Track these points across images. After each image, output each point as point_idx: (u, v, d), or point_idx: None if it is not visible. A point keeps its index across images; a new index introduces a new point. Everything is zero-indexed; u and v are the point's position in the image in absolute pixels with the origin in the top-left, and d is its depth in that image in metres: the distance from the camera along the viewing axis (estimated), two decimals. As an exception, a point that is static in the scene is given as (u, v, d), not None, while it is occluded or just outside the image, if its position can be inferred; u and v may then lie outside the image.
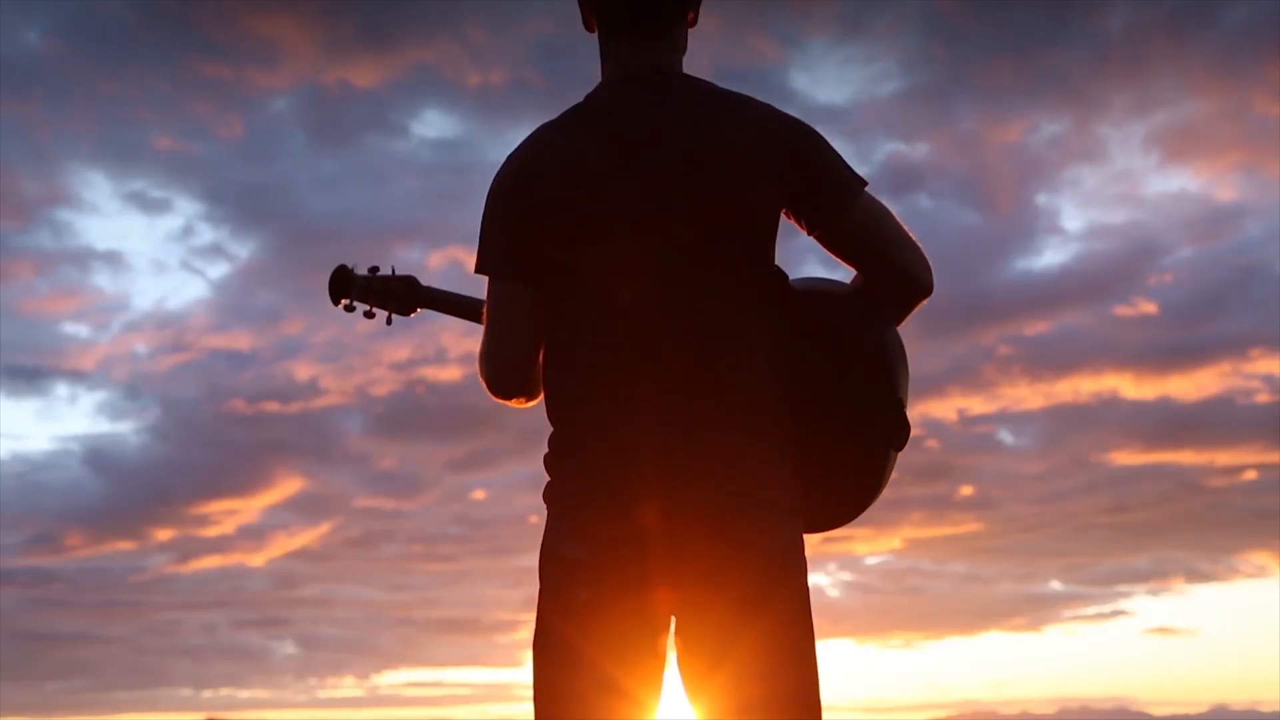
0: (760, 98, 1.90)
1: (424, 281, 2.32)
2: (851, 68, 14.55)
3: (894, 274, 1.89)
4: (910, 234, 1.89)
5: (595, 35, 1.93)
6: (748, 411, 1.78)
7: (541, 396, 1.88)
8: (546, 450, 1.86)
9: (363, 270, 2.34)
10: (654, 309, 1.77)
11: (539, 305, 1.83)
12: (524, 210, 1.81)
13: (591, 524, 1.77)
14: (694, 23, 1.93)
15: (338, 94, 14.81)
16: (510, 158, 1.86)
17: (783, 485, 1.80)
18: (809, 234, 1.86)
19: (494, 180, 1.87)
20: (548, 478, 1.85)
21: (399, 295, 2.33)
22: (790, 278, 1.91)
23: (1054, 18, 13.32)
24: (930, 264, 1.91)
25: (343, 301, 2.31)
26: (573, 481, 1.80)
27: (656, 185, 1.78)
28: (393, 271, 2.34)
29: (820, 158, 1.84)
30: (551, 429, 1.85)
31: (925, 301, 1.93)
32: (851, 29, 14.01)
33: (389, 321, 2.32)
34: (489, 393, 1.88)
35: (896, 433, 1.88)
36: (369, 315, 2.33)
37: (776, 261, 1.89)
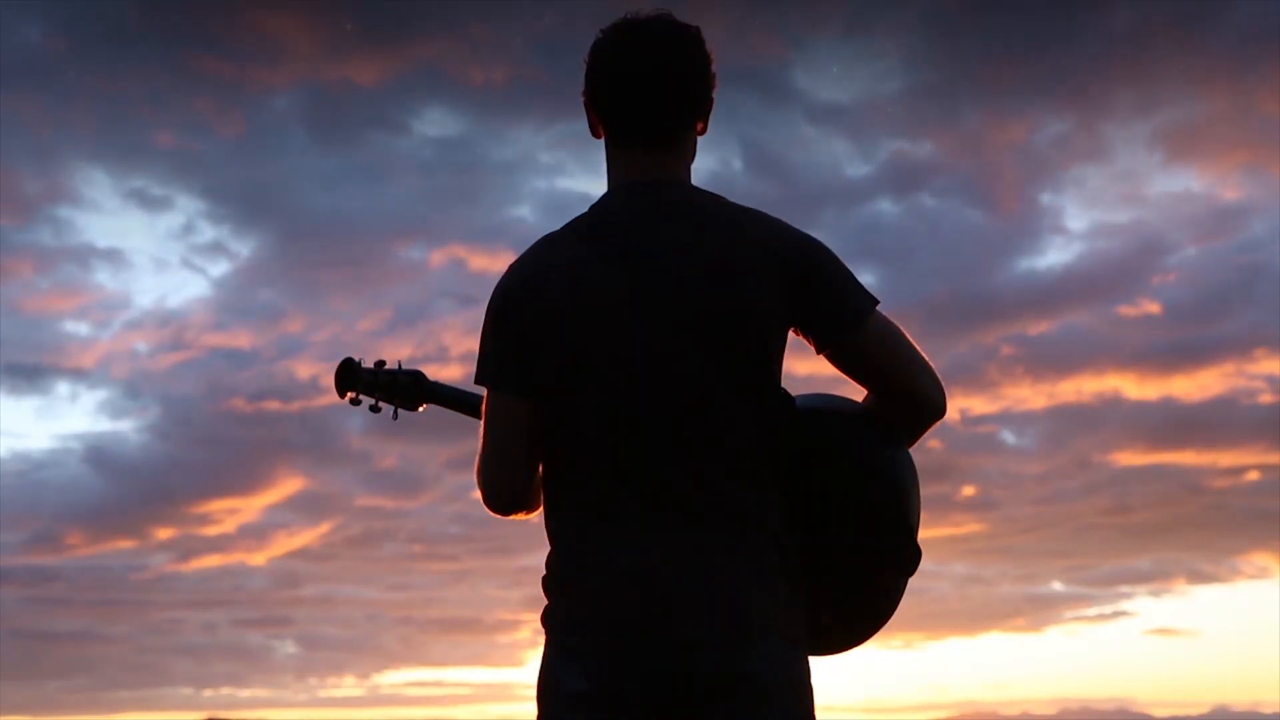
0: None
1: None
2: (855, 66, 14.54)
3: (905, 395, 1.85)
4: (921, 353, 1.85)
5: (602, 140, 1.90)
6: (753, 539, 1.75)
7: (541, 509, 1.85)
8: (545, 572, 1.82)
9: (369, 364, 2.33)
10: (656, 430, 1.74)
11: (538, 421, 1.80)
12: (524, 324, 1.78)
13: (592, 655, 1.73)
14: (703, 131, 1.89)
15: (339, 91, 14.80)
16: (513, 268, 1.84)
17: (789, 614, 1.76)
18: (818, 353, 1.83)
19: (495, 290, 1.84)
20: (545, 600, 1.81)
21: (405, 390, 2.33)
22: (798, 394, 1.89)
23: (1059, 16, 13.28)
24: (942, 384, 1.86)
25: (349, 395, 2.30)
26: (573, 609, 1.77)
27: (660, 304, 1.75)
28: (399, 366, 2.33)
29: (829, 277, 1.80)
30: (550, 548, 1.82)
31: (938, 423, 1.89)
32: (855, 27, 13.99)
33: (395, 416, 2.32)
34: (485, 506, 1.85)
35: (907, 559, 1.85)
36: (375, 410, 2.32)
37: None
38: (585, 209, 1.91)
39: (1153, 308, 17.69)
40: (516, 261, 1.83)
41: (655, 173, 1.83)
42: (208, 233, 17.01)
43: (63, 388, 19.43)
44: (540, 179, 16.84)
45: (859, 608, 1.86)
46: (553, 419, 1.79)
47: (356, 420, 22.23)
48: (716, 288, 1.74)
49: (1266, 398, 18.16)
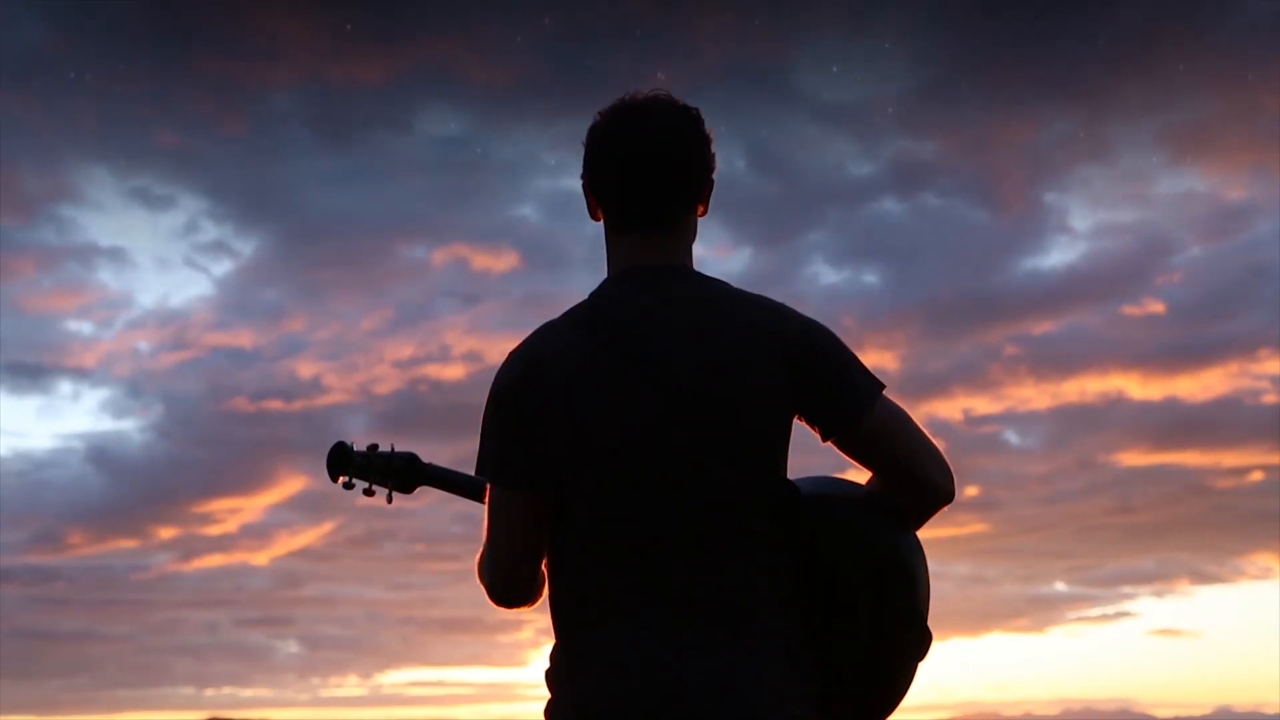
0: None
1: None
2: (859, 65, 14.49)
3: (912, 482, 1.82)
4: (928, 438, 1.83)
5: (601, 221, 1.87)
6: (760, 629, 1.72)
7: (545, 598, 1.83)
8: (548, 664, 1.80)
9: (361, 447, 2.29)
10: (658, 523, 1.71)
11: (540, 515, 1.78)
12: (524, 417, 1.76)
13: None
14: (704, 213, 1.87)
15: (342, 90, 14.77)
16: (512, 357, 1.81)
17: (800, 703, 1.74)
18: (823, 441, 1.80)
19: (495, 380, 1.82)
20: (549, 694, 1.79)
21: (399, 473, 2.30)
22: (802, 474, 1.86)
23: (1064, 15, 13.24)
24: (950, 469, 1.84)
25: (341, 478, 2.27)
26: (577, 703, 1.74)
27: (662, 396, 1.72)
28: (392, 449, 2.30)
29: (833, 363, 1.78)
30: (554, 640, 1.79)
31: (945, 508, 1.86)
32: (859, 26, 13.94)
33: (389, 500, 2.29)
34: (488, 599, 1.83)
35: (919, 644, 1.82)
36: (368, 493, 2.29)
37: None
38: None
39: (1157, 307, 17.65)
40: (516, 350, 1.81)
41: (656, 259, 1.81)
42: (210, 232, 16.99)
43: (65, 387, 19.41)
44: (543, 178, 16.83)
45: (871, 693, 1.82)
46: (555, 512, 1.77)
47: (359, 419, 22.22)
48: (719, 379, 1.72)
49: (1271, 398, 18.13)
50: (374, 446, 2.28)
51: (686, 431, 1.71)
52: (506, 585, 1.81)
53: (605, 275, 1.85)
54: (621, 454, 1.71)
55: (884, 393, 1.80)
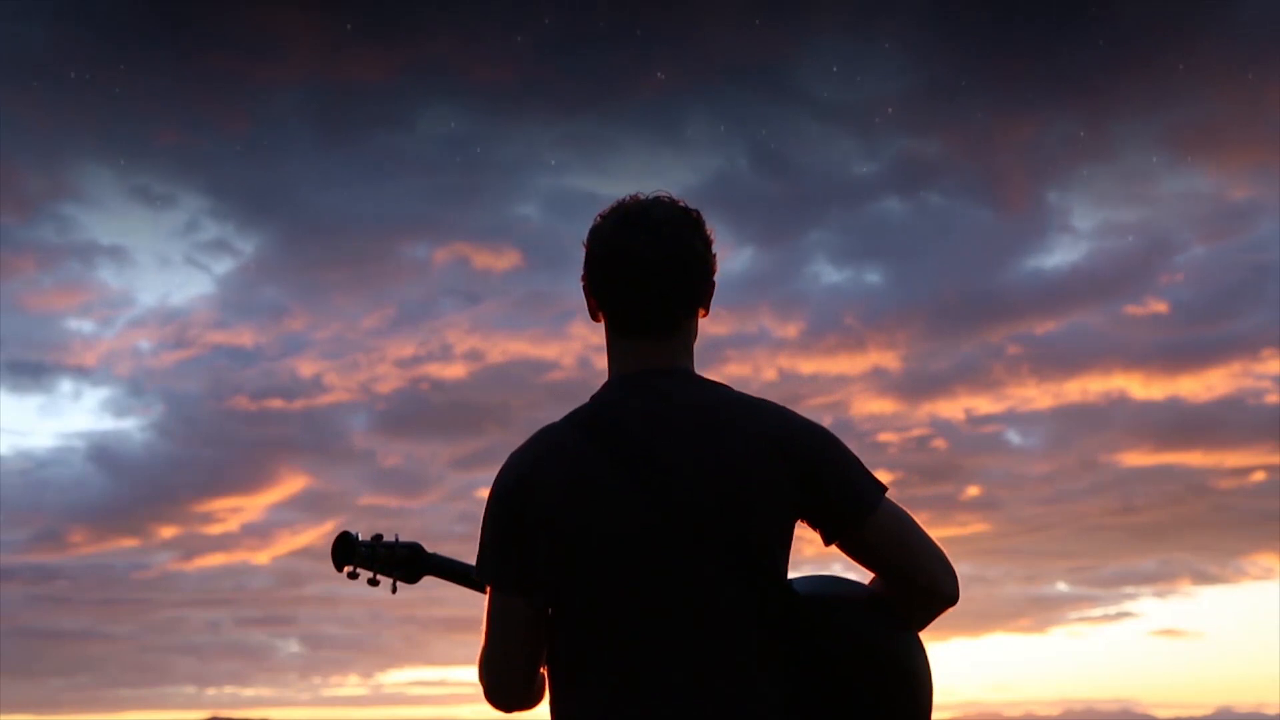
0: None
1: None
2: (862, 64, 14.48)
3: (916, 585, 1.80)
4: (931, 541, 1.81)
5: (602, 323, 1.87)
6: None
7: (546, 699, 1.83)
8: None
9: (366, 536, 2.30)
10: (658, 631, 1.71)
11: (538, 620, 1.78)
12: (524, 523, 1.76)
13: None
14: (705, 315, 1.87)
15: (343, 89, 14.76)
16: (512, 462, 1.81)
17: None
18: (826, 544, 1.80)
19: (495, 481, 1.82)
20: None
21: (404, 563, 2.31)
22: (802, 575, 1.85)
23: (1065, 15, 13.22)
24: (954, 570, 1.82)
25: (346, 569, 2.28)
26: None
27: (662, 504, 1.71)
28: (396, 539, 2.31)
29: (835, 468, 1.77)
30: None
31: (949, 609, 1.84)
32: (862, 25, 13.93)
33: (394, 590, 2.29)
34: (488, 702, 1.83)
35: None
36: (373, 583, 2.30)
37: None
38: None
39: (1160, 307, 17.63)
40: (516, 455, 1.81)
41: (657, 362, 1.81)
42: (211, 230, 16.98)
43: (66, 385, 19.41)
44: (544, 177, 16.81)
45: None
46: (555, 618, 1.77)
47: (360, 418, 22.20)
48: (719, 486, 1.72)
49: (1273, 398, 18.10)
50: (378, 537, 2.31)
51: (687, 539, 1.71)
52: (505, 689, 1.82)
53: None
54: (620, 561, 1.71)
55: (886, 495, 1.80)
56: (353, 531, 2.26)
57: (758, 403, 1.79)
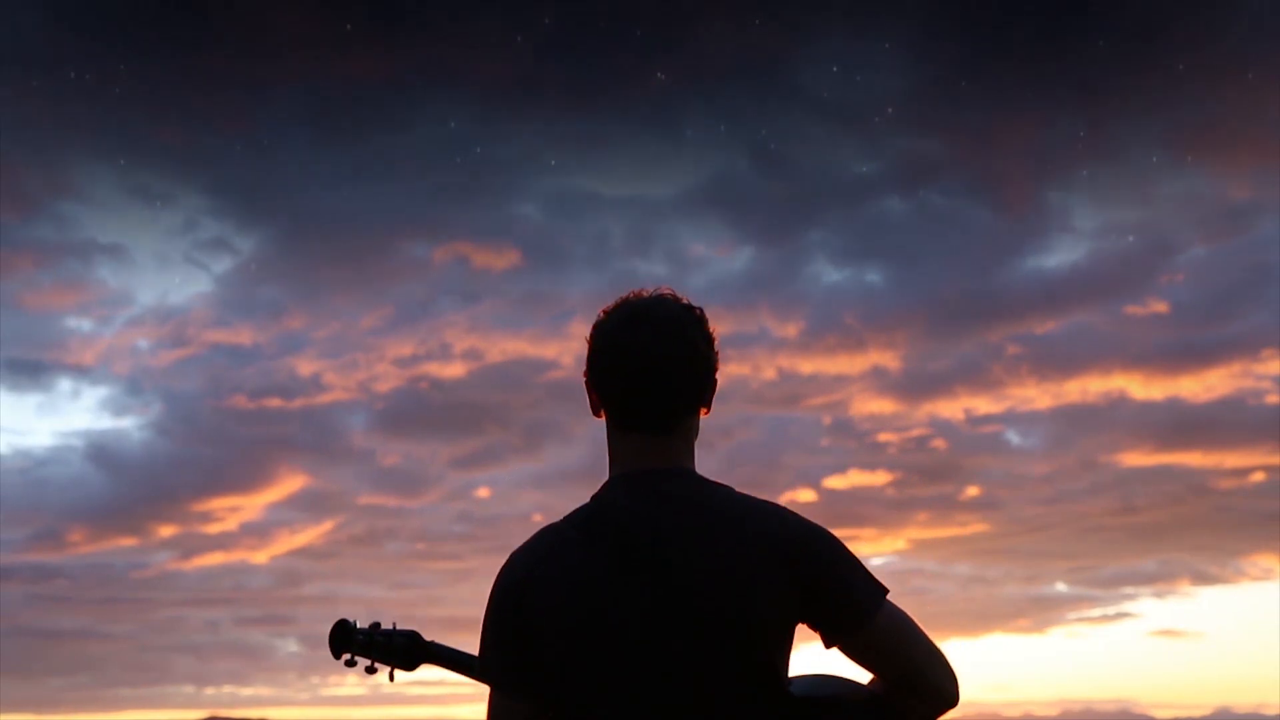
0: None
1: (424, 626, 2.34)
2: (862, 63, 14.47)
3: (917, 688, 1.81)
4: (933, 644, 1.81)
5: (602, 417, 1.88)
6: None
7: None
8: None
9: (364, 624, 2.30)
10: None
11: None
12: (524, 627, 1.76)
13: None
14: (707, 413, 1.88)
15: (344, 88, 14.75)
16: (512, 564, 1.81)
17: None
18: (826, 647, 1.80)
19: (495, 582, 1.82)
20: None
21: (402, 651, 2.30)
22: (801, 675, 1.85)
23: (1066, 15, 13.21)
24: (954, 673, 1.82)
25: (344, 656, 2.27)
26: None
27: (662, 608, 1.72)
28: (394, 627, 2.31)
29: (837, 571, 1.77)
30: None
31: (949, 712, 1.84)
32: (863, 25, 13.92)
33: (391, 678, 2.29)
34: None
35: None
36: (370, 670, 2.29)
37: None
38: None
39: (1160, 307, 17.63)
40: (517, 555, 1.81)
41: (658, 462, 1.81)
42: (210, 229, 16.98)
43: (64, 384, 19.40)
44: (544, 177, 16.80)
45: None
46: (554, 718, 1.77)
47: (359, 418, 22.19)
48: (721, 590, 1.72)
49: (1273, 398, 18.09)
50: (376, 625, 2.31)
51: (687, 642, 1.72)
52: None
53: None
54: (620, 664, 1.72)
55: (887, 598, 1.80)
56: (350, 619, 2.26)
57: (759, 505, 1.80)
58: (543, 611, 1.74)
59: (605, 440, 1.86)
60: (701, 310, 1.86)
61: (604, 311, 1.86)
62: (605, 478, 1.85)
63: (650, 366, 1.80)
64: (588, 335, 1.87)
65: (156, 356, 18.94)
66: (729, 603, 1.71)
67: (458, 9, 13.58)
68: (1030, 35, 13.36)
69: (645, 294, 1.85)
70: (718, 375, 1.87)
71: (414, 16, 13.54)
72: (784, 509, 1.80)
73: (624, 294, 1.87)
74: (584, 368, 1.87)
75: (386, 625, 2.31)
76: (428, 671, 2.33)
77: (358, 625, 2.29)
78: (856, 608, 1.76)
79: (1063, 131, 14.91)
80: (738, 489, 1.82)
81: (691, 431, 1.85)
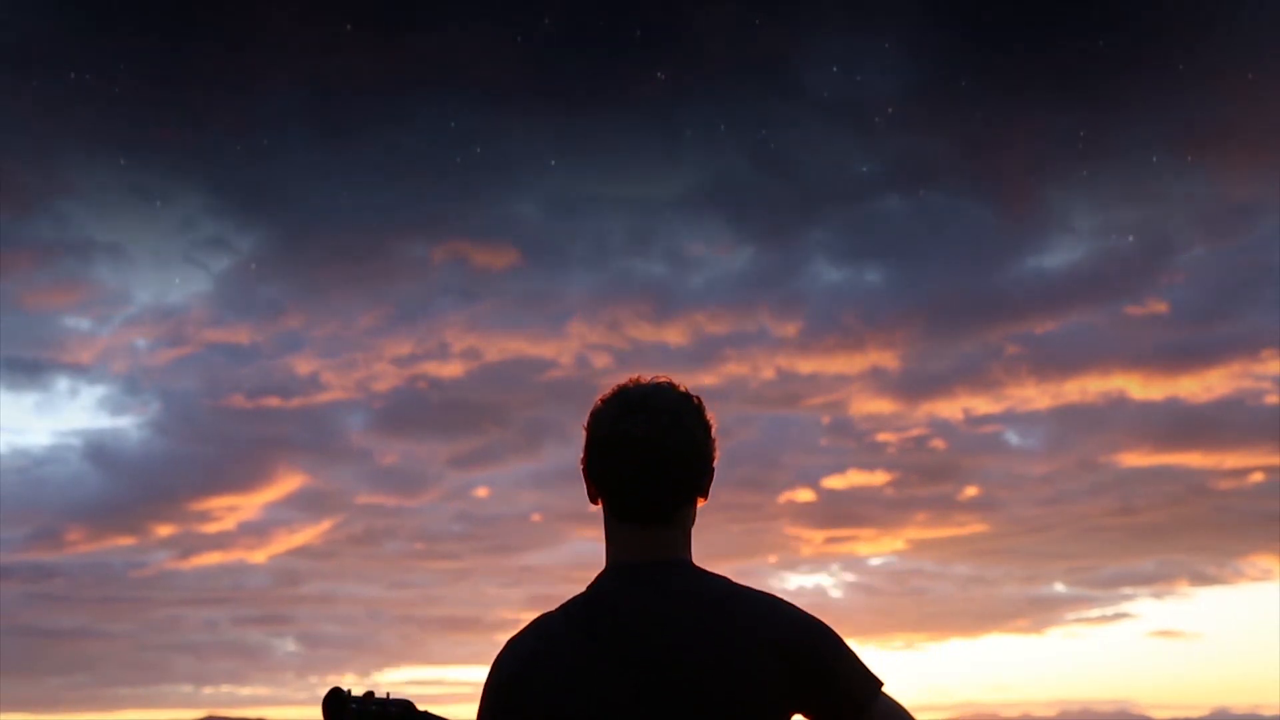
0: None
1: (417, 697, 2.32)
2: (862, 63, 14.45)
3: None
4: None
5: (599, 506, 1.88)
6: None
7: None
8: None
9: (358, 693, 2.31)
10: None
11: None
12: (518, 715, 1.77)
13: None
14: (705, 501, 1.88)
15: (343, 88, 14.73)
16: (509, 652, 1.83)
17: None
18: None
19: (490, 672, 1.83)
20: None
21: None
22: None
23: (1066, 15, 13.20)
24: None
25: None
26: None
27: (658, 701, 1.72)
28: (388, 696, 2.31)
29: (833, 663, 1.78)
30: None
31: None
32: (862, 24, 13.90)
33: None
34: None
35: None
36: None
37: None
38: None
39: (1160, 307, 17.64)
40: (513, 645, 1.83)
41: (655, 552, 1.82)
42: (208, 228, 16.98)
43: (63, 383, 19.38)
44: (544, 176, 16.79)
45: None
46: None
47: (357, 417, 22.17)
48: (716, 683, 1.72)
49: (1273, 398, 18.09)
50: (369, 694, 2.32)
51: None
52: None
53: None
54: None
55: (882, 691, 1.81)
56: (344, 688, 2.27)
57: (755, 597, 1.80)
58: (538, 704, 1.75)
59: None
60: (699, 399, 1.87)
61: (601, 400, 1.86)
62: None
63: (648, 460, 1.80)
64: (585, 423, 1.88)
65: (155, 356, 18.95)
66: (725, 696, 1.72)
67: (458, 9, 13.57)
68: (1030, 35, 13.35)
69: (643, 381, 1.86)
70: (715, 464, 1.87)
71: (414, 16, 13.53)
72: (780, 600, 1.81)
73: (622, 381, 1.87)
74: (581, 455, 1.88)
75: (381, 694, 2.33)
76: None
77: (351, 694, 2.31)
78: (853, 700, 1.77)
79: (1063, 131, 14.91)
80: (733, 579, 1.83)
81: (689, 520, 1.86)
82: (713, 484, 1.87)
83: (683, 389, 1.86)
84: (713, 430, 1.86)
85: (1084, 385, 19.31)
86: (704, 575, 1.82)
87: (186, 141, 15.11)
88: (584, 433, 1.87)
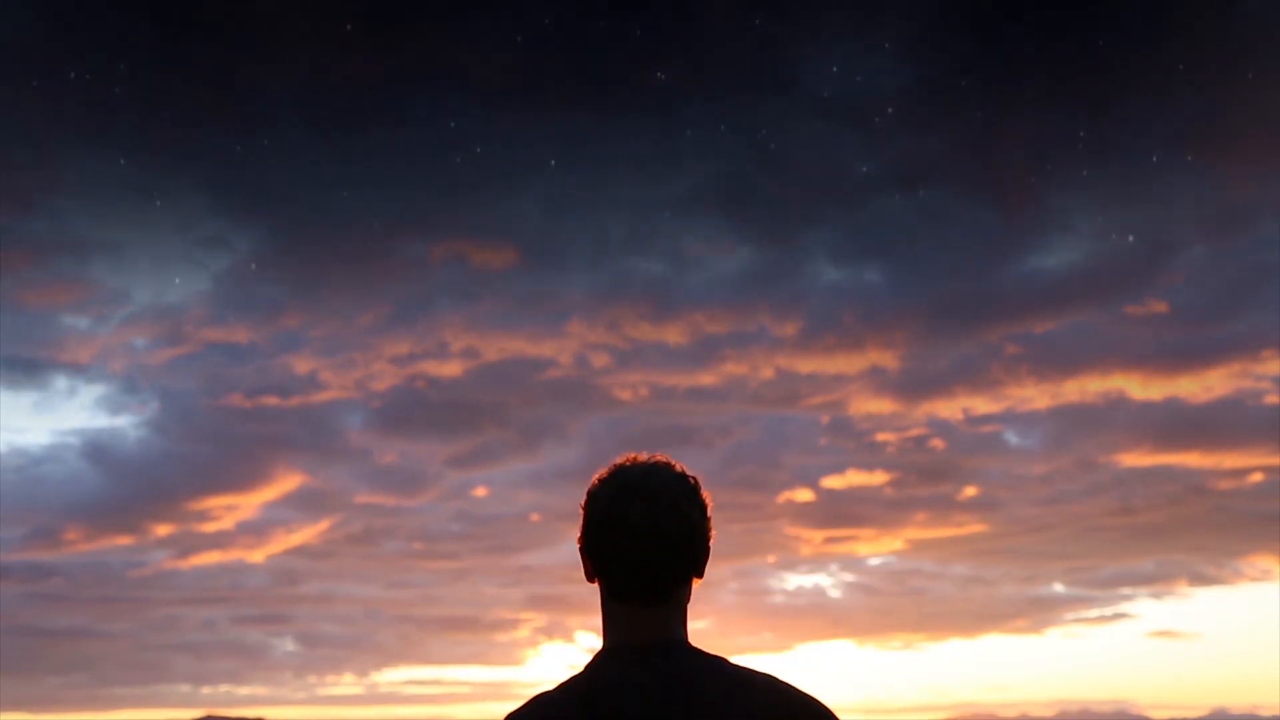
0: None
1: None
2: (862, 63, 14.46)
3: None
4: None
5: (596, 584, 1.91)
6: None
7: None
8: None
9: None
10: None
11: None
12: None
13: None
14: (700, 581, 1.90)
15: (343, 87, 14.73)
16: None
17: None
18: None
19: None
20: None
21: None
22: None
23: (1066, 15, 13.20)
24: None
25: None
26: None
27: None
28: None
29: None
30: None
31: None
32: (862, 24, 13.90)
33: None
34: None
35: None
36: None
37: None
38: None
39: (1160, 307, 17.63)
40: None
41: (653, 633, 1.84)
42: (207, 227, 16.98)
43: (61, 382, 19.38)
44: (543, 176, 16.79)
45: None
46: None
47: (356, 416, 22.16)
48: None
49: (1273, 398, 18.09)
50: None
51: None
52: None
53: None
54: None
55: None
56: None
57: (754, 678, 1.82)
58: None
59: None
60: (696, 479, 1.89)
61: (599, 479, 1.88)
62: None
63: (646, 545, 1.82)
64: (582, 502, 1.90)
65: (153, 355, 18.95)
66: None
67: (458, 9, 13.57)
68: (1030, 35, 13.35)
69: (640, 460, 1.88)
70: (711, 543, 1.89)
71: (414, 16, 13.53)
72: (778, 681, 1.83)
73: (619, 459, 1.89)
74: (579, 534, 1.89)
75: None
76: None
77: None
78: None
79: (1063, 131, 14.91)
80: (731, 660, 1.84)
81: (685, 599, 1.88)
82: (711, 542, 1.88)
83: (679, 468, 1.88)
84: (709, 510, 1.88)
85: (1083, 385, 19.32)
86: (702, 657, 1.84)
87: (186, 141, 15.12)
88: (580, 512, 1.89)
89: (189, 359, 19.78)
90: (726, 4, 13.91)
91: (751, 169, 16.72)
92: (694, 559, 1.86)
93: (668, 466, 1.87)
